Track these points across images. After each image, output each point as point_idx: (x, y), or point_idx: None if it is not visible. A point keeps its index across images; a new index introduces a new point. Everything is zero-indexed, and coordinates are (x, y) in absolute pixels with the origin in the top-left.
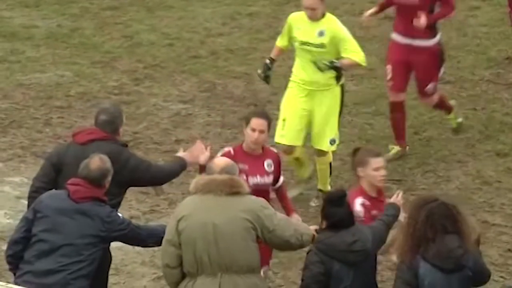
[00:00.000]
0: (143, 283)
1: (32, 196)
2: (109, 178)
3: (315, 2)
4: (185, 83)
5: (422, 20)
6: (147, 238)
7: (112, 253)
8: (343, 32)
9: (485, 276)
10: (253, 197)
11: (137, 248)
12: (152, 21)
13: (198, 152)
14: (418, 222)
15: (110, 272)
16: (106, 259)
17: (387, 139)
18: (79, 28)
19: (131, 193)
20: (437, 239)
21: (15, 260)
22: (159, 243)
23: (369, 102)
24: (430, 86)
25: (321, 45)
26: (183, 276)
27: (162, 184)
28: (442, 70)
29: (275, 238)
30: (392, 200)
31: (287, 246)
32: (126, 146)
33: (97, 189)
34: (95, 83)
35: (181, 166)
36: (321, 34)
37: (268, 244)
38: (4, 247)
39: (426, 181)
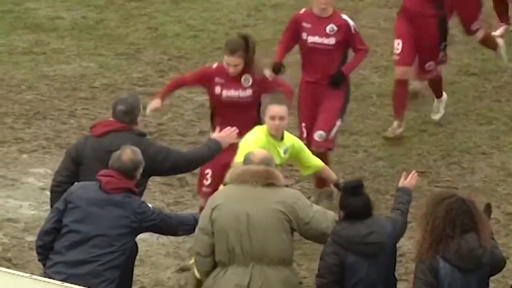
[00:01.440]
0: (167, 274)
1: (54, 190)
2: (141, 170)
3: None
4: None
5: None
6: (178, 226)
7: (137, 244)
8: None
9: (501, 265)
10: (289, 189)
11: (161, 240)
12: (177, 12)
13: (227, 135)
14: (437, 218)
15: (136, 263)
16: (133, 250)
17: (411, 130)
18: (104, 19)
19: (155, 185)
20: (455, 236)
21: (45, 251)
22: (189, 232)
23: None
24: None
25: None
26: (214, 266)
27: (189, 171)
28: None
29: (312, 230)
30: (401, 183)
31: (324, 237)
32: (145, 135)
33: (129, 180)
34: (119, 74)
35: (213, 150)
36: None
37: (305, 236)
38: (28, 238)
39: (451, 173)
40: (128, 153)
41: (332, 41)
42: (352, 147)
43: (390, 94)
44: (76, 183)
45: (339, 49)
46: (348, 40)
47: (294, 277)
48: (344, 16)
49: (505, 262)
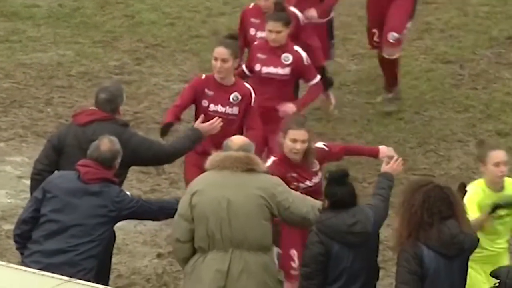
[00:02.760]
0: (144, 262)
1: (35, 178)
2: (119, 160)
3: None
4: (186, 62)
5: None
6: (158, 211)
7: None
8: None
9: (476, 245)
10: (269, 175)
11: (139, 228)
12: (153, 0)
13: (211, 125)
14: (414, 206)
15: (113, 252)
16: (111, 239)
17: (387, 118)
18: (80, 7)
19: (132, 173)
20: (434, 224)
21: (23, 240)
22: (170, 216)
23: (370, 81)
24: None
25: None
26: (193, 252)
27: (170, 162)
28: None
29: (293, 215)
30: (383, 168)
31: (305, 222)
32: (127, 125)
33: (107, 170)
34: (96, 62)
35: (194, 141)
36: None
37: (286, 222)
38: (6, 226)
39: (427, 161)
40: (106, 143)
41: None
42: (329, 135)
43: (366, 82)
44: (55, 172)
45: None
46: None
47: (273, 264)
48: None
49: (478, 241)
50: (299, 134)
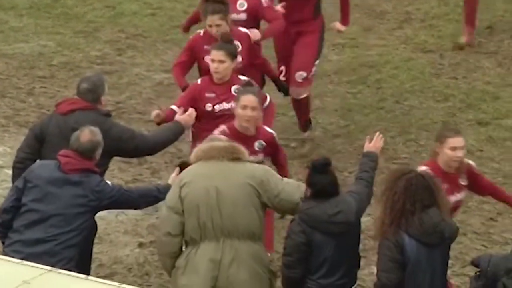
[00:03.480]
0: (126, 251)
1: (17, 166)
2: (100, 151)
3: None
4: (167, 52)
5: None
6: (139, 199)
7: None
8: None
9: (457, 234)
10: (256, 164)
11: (120, 217)
12: None
13: (191, 117)
14: (396, 194)
15: (94, 241)
16: (92, 229)
17: (368, 108)
18: None
19: (114, 162)
20: (416, 212)
21: (4, 229)
22: (153, 203)
23: (350, 71)
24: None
25: None
26: (180, 247)
27: (152, 154)
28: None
29: (284, 202)
30: (366, 146)
31: (296, 208)
32: (109, 115)
33: (88, 161)
34: (77, 53)
35: (176, 133)
36: None
37: (278, 210)
38: None
39: (408, 150)
40: (87, 134)
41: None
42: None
43: (347, 71)
44: (37, 161)
45: None
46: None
47: (264, 253)
48: None
49: (458, 230)
50: (459, 141)
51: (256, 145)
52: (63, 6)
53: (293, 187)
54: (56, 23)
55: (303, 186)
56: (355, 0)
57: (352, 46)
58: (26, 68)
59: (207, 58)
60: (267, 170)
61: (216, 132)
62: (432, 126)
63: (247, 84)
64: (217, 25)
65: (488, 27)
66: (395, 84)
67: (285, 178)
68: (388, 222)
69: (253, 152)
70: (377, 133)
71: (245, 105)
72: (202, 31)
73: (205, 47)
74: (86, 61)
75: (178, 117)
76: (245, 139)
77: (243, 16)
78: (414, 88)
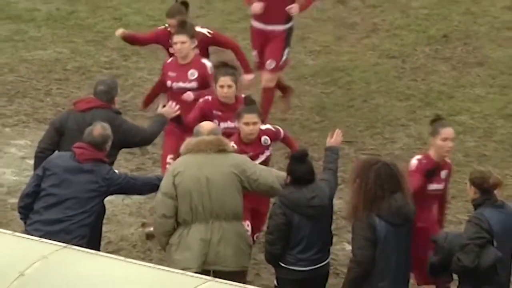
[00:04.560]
0: (131, 230)
1: (38, 156)
2: (110, 143)
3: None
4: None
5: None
6: (142, 187)
7: (105, 206)
8: None
9: (414, 215)
10: (237, 154)
11: (126, 201)
12: (138, 5)
13: (172, 108)
14: (368, 183)
15: (103, 221)
16: (102, 211)
17: (340, 106)
18: (75, 11)
19: (120, 153)
20: (385, 197)
21: (26, 211)
22: (153, 190)
23: (325, 74)
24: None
25: None
26: (174, 227)
27: (149, 144)
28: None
29: (262, 186)
30: (328, 142)
31: (272, 190)
32: (120, 113)
33: (99, 152)
34: (89, 58)
35: (163, 123)
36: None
37: (257, 192)
38: (11, 200)
39: (374, 142)
40: (99, 129)
41: None
42: (290, 120)
43: (322, 74)
44: (55, 152)
45: None
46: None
47: (245, 231)
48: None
49: (415, 212)
50: (450, 132)
51: (263, 140)
52: (76, 18)
53: (269, 173)
54: (70, 33)
55: (282, 173)
56: (328, 13)
57: (326, 52)
58: (44, 72)
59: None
60: (247, 160)
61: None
62: (395, 122)
63: (249, 102)
64: (229, 86)
65: (444, 36)
66: (363, 85)
67: (261, 166)
68: (361, 206)
69: (259, 150)
70: (337, 130)
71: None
72: (210, 97)
73: (215, 112)
74: (96, 66)
75: (160, 110)
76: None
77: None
78: (379, 89)
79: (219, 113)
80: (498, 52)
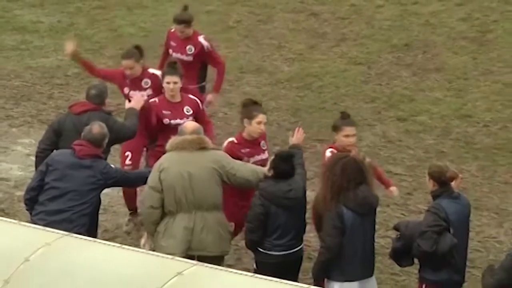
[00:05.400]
0: (125, 220)
1: (38, 155)
2: (106, 141)
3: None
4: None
5: None
6: (135, 179)
7: (101, 198)
8: None
9: (378, 204)
10: (217, 151)
11: (120, 193)
12: (132, 17)
13: (138, 100)
14: (335, 175)
15: (100, 211)
16: (98, 202)
17: (312, 108)
18: (75, 23)
19: (115, 150)
20: (351, 188)
21: (31, 203)
22: (144, 183)
23: (299, 79)
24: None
25: None
26: (160, 216)
27: (134, 136)
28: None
29: (239, 179)
30: (291, 140)
31: (248, 184)
32: (111, 114)
33: (97, 148)
34: None
35: (136, 115)
36: None
37: (235, 185)
38: (18, 193)
39: None
40: (97, 127)
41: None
42: (267, 121)
43: (296, 80)
44: (57, 150)
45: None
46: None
47: (225, 219)
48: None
49: (378, 199)
50: (352, 130)
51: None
52: (76, 29)
53: (245, 168)
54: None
55: (259, 168)
56: (302, 24)
57: (300, 60)
58: (47, 78)
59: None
60: (226, 156)
61: (225, 143)
62: (362, 122)
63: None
64: (174, 82)
65: (406, 45)
66: (334, 89)
67: (238, 161)
68: (330, 197)
69: (258, 151)
70: (297, 128)
71: (168, 81)
72: (157, 99)
73: (164, 112)
74: None
75: (128, 104)
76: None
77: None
78: (348, 93)
79: (168, 112)
80: (454, 59)
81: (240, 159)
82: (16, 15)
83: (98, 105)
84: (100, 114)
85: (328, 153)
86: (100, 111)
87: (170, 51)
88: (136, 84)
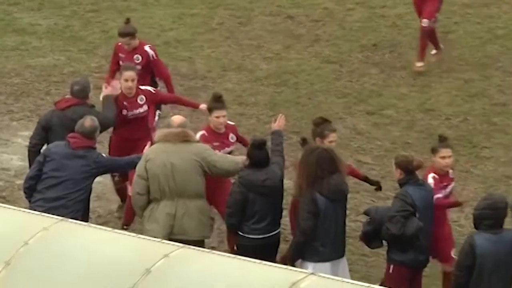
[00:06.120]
0: (117, 206)
1: (31, 150)
2: (98, 133)
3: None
4: None
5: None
6: (126, 165)
7: (94, 186)
8: None
9: (348, 192)
10: (200, 143)
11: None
12: (122, 20)
13: (114, 87)
14: (310, 165)
15: (93, 198)
16: (91, 190)
17: (288, 103)
18: (70, 25)
19: (107, 141)
20: (325, 177)
21: (30, 191)
22: (134, 168)
23: (276, 76)
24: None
25: None
26: (147, 202)
27: (112, 125)
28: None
29: (220, 170)
30: (273, 126)
31: (227, 173)
32: (94, 107)
33: (89, 140)
34: (81, 64)
35: (113, 103)
36: None
37: (216, 175)
38: (18, 182)
39: None
40: (89, 121)
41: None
42: (247, 115)
43: (274, 77)
44: (53, 143)
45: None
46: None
47: (206, 206)
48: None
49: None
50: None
51: (230, 136)
52: (71, 31)
53: (225, 159)
54: (66, 43)
55: (229, 156)
56: (279, 26)
57: (278, 59)
58: (44, 76)
59: None
60: (207, 148)
61: (198, 136)
62: (334, 115)
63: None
64: (132, 80)
65: (374, 45)
66: (308, 86)
67: (219, 153)
68: (305, 185)
69: (227, 144)
70: (280, 114)
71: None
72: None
73: (124, 103)
74: (88, 71)
75: (104, 93)
76: (220, 136)
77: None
78: (321, 89)
79: (123, 55)
80: None
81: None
82: (16, 18)
83: (82, 99)
84: (83, 108)
85: (430, 179)
86: (83, 105)
87: (120, 62)
88: (128, 58)
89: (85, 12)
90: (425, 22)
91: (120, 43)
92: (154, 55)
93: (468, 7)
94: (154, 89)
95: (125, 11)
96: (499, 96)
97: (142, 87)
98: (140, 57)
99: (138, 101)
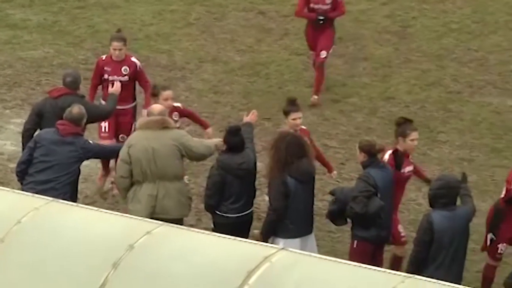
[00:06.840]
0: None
1: (24, 135)
2: (85, 120)
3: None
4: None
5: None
6: (110, 153)
7: (82, 169)
8: None
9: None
10: (178, 130)
11: (99, 165)
12: (106, 16)
13: (117, 88)
14: (280, 150)
15: (81, 180)
16: (79, 173)
17: (261, 92)
18: (58, 20)
19: (95, 128)
20: (294, 161)
21: (22, 174)
22: (117, 155)
23: (249, 68)
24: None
25: None
26: (130, 184)
27: (109, 117)
28: None
29: (196, 154)
30: (245, 119)
31: (202, 157)
32: (84, 97)
33: (77, 127)
34: (69, 57)
35: (115, 100)
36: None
37: (192, 158)
38: (10, 165)
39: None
40: (76, 109)
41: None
42: (222, 103)
43: (246, 68)
44: (43, 129)
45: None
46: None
47: (185, 187)
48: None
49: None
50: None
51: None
52: (59, 26)
53: (201, 144)
54: (55, 37)
55: (205, 141)
56: (252, 21)
57: (250, 51)
58: (35, 67)
59: None
60: (185, 134)
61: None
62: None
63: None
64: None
65: (339, 38)
66: (278, 76)
67: (196, 138)
68: (276, 169)
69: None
70: (253, 110)
71: (294, 118)
72: (104, 56)
73: (105, 68)
74: (75, 63)
75: (110, 90)
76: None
77: (126, 78)
78: (291, 79)
79: (109, 69)
80: (380, 50)
81: (102, 74)
82: (9, 14)
83: (73, 90)
84: (73, 98)
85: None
86: (74, 95)
87: (106, 76)
88: (116, 70)
89: (72, 8)
90: (323, 53)
91: (103, 58)
92: (140, 66)
93: (424, 2)
94: (181, 104)
95: (110, 7)
96: (454, 85)
97: (175, 104)
98: (128, 68)
99: (173, 117)
